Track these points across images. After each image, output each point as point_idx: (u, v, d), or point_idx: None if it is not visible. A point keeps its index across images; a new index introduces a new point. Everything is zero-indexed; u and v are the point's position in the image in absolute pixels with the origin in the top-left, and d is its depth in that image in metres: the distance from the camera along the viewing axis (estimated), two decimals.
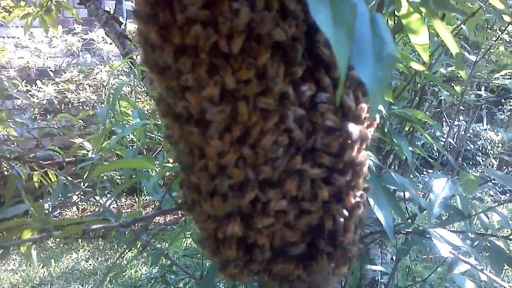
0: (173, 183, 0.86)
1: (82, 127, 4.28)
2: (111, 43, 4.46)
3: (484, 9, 1.05)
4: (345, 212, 0.49)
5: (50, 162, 2.34)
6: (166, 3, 0.39)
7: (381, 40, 0.38)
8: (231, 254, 0.48)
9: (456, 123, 2.81)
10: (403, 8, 0.81)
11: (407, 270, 1.70)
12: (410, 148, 1.01)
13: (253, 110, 0.42)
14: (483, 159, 5.31)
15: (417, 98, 1.28)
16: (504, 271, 3.13)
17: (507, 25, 1.70)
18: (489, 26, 2.46)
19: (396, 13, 0.93)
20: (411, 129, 1.31)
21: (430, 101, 1.71)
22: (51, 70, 4.51)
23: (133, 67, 1.85)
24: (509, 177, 0.93)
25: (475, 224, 1.09)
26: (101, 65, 4.56)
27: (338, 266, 0.51)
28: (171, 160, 1.23)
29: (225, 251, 0.48)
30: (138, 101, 3.30)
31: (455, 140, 2.54)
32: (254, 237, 0.48)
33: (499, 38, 1.84)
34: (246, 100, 0.42)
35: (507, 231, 1.10)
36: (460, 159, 3.01)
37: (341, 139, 0.47)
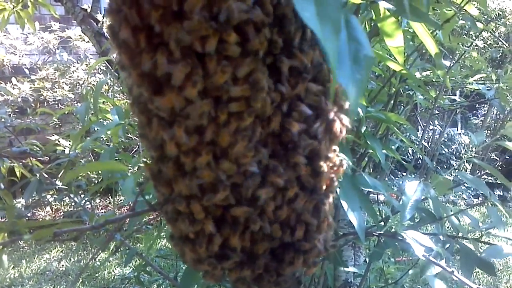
0: (146, 185, 0.86)
1: (57, 126, 4.21)
2: (88, 41, 4.41)
3: (459, 15, 1.07)
4: (316, 213, 0.50)
5: (23, 161, 2.30)
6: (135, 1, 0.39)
7: (357, 42, 0.38)
8: (202, 252, 0.48)
9: (431, 127, 2.85)
10: (381, 12, 0.82)
11: (380, 272, 1.72)
12: (384, 151, 1.02)
13: (224, 110, 0.42)
14: (457, 162, 5.39)
15: (392, 101, 1.30)
16: (475, 273, 3.18)
17: (480, 31, 1.74)
18: (464, 31, 2.50)
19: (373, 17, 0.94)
20: (386, 132, 1.33)
21: (404, 105, 1.73)
22: (27, 68, 4.44)
23: (110, 66, 1.84)
24: (479, 181, 0.95)
25: (448, 227, 1.10)
26: (78, 63, 4.51)
27: (309, 267, 0.51)
28: (145, 160, 1.22)
29: (196, 250, 0.48)
30: (115, 99, 3.26)
31: (429, 143, 2.58)
32: (227, 236, 0.48)
33: (472, 44, 1.87)
34: (219, 101, 0.42)
35: (479, 233, 1.12)
36: (434, 162, 3.05)
37: (312, 141, 0.47)
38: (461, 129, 6.38)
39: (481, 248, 1.01)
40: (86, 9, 2.07)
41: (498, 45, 4.38)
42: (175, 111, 0.42)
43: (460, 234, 1.02)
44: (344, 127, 0.51)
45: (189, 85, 0.40)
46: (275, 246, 0.50)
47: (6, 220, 0.88)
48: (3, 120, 1.64)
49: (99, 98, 1.42)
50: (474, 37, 2.08)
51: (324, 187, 0.50)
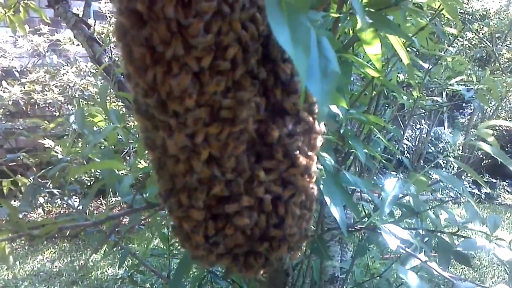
0: (145, 183, 0.91)
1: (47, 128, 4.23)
2: (78, 45, 4.44)
3: (433, 22, 1.13)
4: (300, 204, 0.57)
5: (14, 163, 2.32)
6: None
7: (326, 59, 0.45)
8: (199, 239, 0.55)
9: (418, 126, 2.91)
10: (358, 23, 0.89)
11: (366, 267, 1.78)
12: (365, 150, 1.07)
13: (217, 118, 0.49)
14: (444, 161, 5.47)
15: (374, 103, 1.35)
16: (461, 269, 3.26)
17: (454, 38, 1.81)
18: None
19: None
20: (370, 132, 1.38)
21: (387, 105, 1.79)
22: (17, 71, 4.46)
23: (103, 70, 1.87)
24: (454, 178, 1.01)
25: (429, 223, 1.16)
26: (68, 66, 4.53)
27: (293, 250, 0.58)
28: (141, 161, 1.27)
29: (194, 237, 0.55)
30: (107, 102, 3.29)
31: (416, 142, 2.65)
32: (221, 226, 0.54)
33: (447, 50, 1.94)
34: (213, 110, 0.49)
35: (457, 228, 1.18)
36: (422, 161, 3.13)
37: (292, 140, 0.54)
38: (448, 128, 6.47)
39: (457, 241, 1.07)
40: (78, 14, 2.10)
41: (482, 45, 4.46)
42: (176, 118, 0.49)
43: (438, 229, 1.09)
44: (321, 128, 0.58)
45: (186, 96, 0.46)
46: (264, 234, 0.56)
47: (7, 220, 0.93)
48: None
49: (89, 103, 1.46)
50: (449, 42, 2.14)
51: (305, 181, 0.56)
